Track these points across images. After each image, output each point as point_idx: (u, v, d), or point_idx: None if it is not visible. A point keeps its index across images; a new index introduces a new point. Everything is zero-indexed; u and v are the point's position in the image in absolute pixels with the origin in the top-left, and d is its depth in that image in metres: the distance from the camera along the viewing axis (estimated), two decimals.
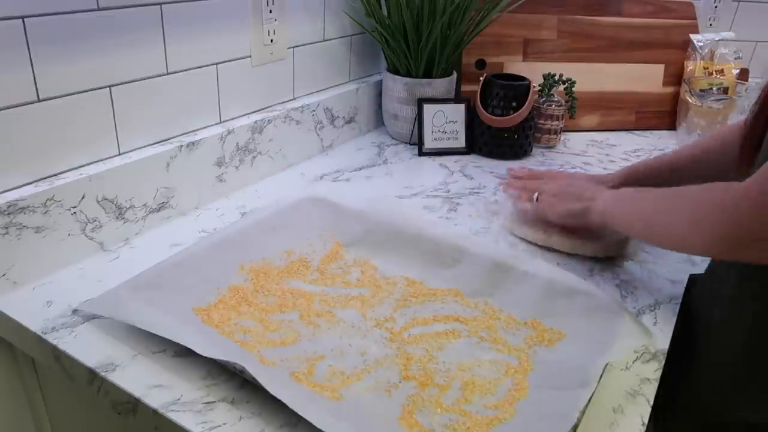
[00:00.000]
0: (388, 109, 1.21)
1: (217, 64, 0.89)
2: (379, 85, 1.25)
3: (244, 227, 0.76)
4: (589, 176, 0.92)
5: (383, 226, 0.80)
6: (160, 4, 0.78)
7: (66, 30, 0.68)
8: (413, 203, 0.95)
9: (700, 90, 1.28)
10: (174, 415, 0.52)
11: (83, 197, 0.72)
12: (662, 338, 0.66)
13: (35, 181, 0.69)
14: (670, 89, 1.37)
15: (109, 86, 0.75)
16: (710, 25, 1.49)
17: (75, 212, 0.71)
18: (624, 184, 0.83)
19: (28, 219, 0.66)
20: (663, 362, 0.63)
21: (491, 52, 1.27)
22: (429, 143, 1.16)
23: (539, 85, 1.20)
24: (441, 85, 1.17)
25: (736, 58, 1.35)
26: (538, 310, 0.68)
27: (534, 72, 1.22)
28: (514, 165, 1.13)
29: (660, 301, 0.73)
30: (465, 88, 1.27)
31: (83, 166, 0.74)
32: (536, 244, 0.83)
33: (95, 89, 0.73)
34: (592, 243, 0.81)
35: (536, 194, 0.83)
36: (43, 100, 0.68)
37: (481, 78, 1.17)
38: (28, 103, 0.67)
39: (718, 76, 1.33)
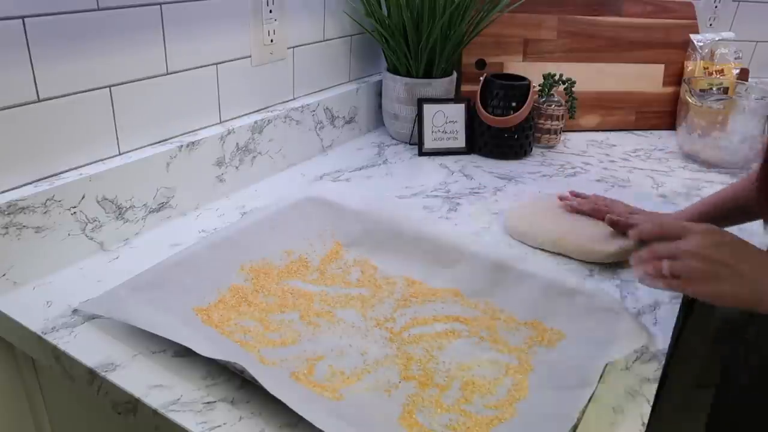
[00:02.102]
0: (388, 109, 1.21)
1: (217, 64, 0.89)
2: (379, 85, 1.25)
3: (244, 227, 0.76)
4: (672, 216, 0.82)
5: (383, 226, 0.80)
6: (160, 4, 0.78)
7: (66, 30, 0.68)
8: (413, 203, 0.95)
9: (700, 90, 1.28)
10: (174, 415, 0.52)
11: (83, 197, 0.72)
12: (662, 338, 0.66)
13: (35, 181, 0.69)
14: (670, 89, 1.37)
15: (109, 86, 0.75)
16: (710, 25, 1.49)
17: (75, 212, 0.71)
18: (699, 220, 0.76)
19: (28, 219, 0.66)
20: (663, 362, 0.63)
21: (491, 52, 1.27)
22: (429, 143, 1.16)
23: (539, 85, 1.20)
24: (441, 85, 1.17)
25: (736, 58, 1.35)
26: (538, 310, 0.68)
27: (534, 72, 1.22)
28: (516, 166, 1.13)
29: (660, 301, 0.73)
30: (465, 88, 1.27)
31: (83, 166, 0.74)
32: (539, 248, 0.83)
33: (95, 89, 0.73)
34: (599, 250, 0.79)
35: (665, 264, 0.57)
36: (43, 100, 0.68)
37: (481, 78, 1.17)
38: (28, 103, 0.67)
39: (718, 76, 1.33)
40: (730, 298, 0.55)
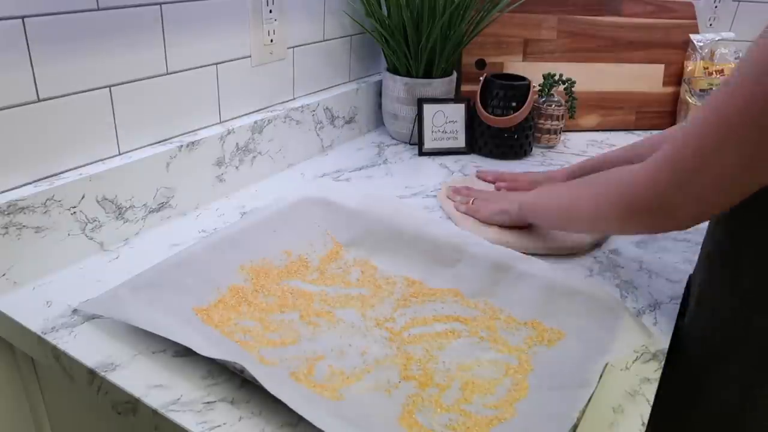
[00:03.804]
0: (388, 109, 1.21)
1: (217, 64, 0.89)
2: (379, 85, 1.25)
3: (244, 227, 0.76)
4: (536, 175, 0.98)
5: (383, 225, 0.80)
6: (160, 4, 0.78)
7: (66, 30, 0.68)
8: (413, 203, 0.95)
9: (700, 90, 1.28)
10: (174, 415, 0.52)
11: (83, 197, 0.72)
12: (662, 338, 0.67)
13: (35, 181, 0.69)
14: (670, 89, 1.37)
15: (109, 86, 0.75)
16: (710, 25, 1.49)
17: (75, 212, 0.71)
18: (569, 179, 0.90)
19: (28, 219, 0.66)
20: (663, 362, 0.63)
21: (491, 52, 1.28)
22: (429, 143, 1.16)
23: (539, 85, 1.20)
24: (441, 85, 1.17)
25: (736, 58, 1.35)
26: (538, 310, 0.68)
27: (534, 72, 1.22)
28: (514, 165, 1.13)
29: (660, 301, 0.73)
30: (465, 88, 1.27)
31: (83, 166, 0.74)
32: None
33: (95, 89, 0.73)
34: (544, 242, 0.82)
35: (472, 199, 0.89)
36: (43, 100, 0.68)
37: (481, 78, 1.17)
38: (28, 103, 0.67)
39: (718, 76, 1.33)
40: (497, 212, 0.84)
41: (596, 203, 0.64)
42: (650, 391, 0.59)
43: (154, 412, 0.53)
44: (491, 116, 1.14)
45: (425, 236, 0.78)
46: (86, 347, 0.59)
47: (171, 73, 0.82)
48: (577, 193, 0.70)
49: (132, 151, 0.80)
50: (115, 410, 0.57)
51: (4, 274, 0.66)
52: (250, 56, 0.95)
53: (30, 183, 0.69)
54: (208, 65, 0.88)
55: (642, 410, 0.57)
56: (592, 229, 0.78)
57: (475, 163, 1.13)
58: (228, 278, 0.70)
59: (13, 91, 0.65)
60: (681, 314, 0.71)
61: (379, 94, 1.25)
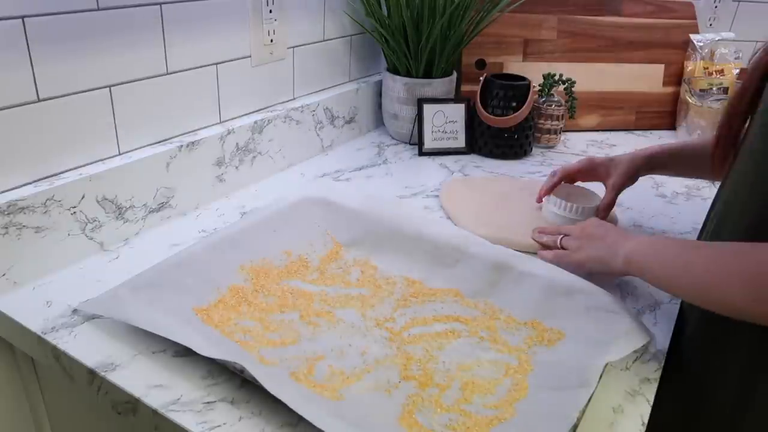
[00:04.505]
0: (388, 109, 1.21)
1: (217, 64, 0.89)
2: (379, 85, 1.25)
3: (244, 227, 0.76)
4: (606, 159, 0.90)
5: (383, 225, 0.80)
6: (160, 4, 0.78)
7: (66, 30, 0.68)
8: (413, 203, 0.95)
9: (700, 90, 1.28)
10: (174, 415, 0.52)
11: (83, 197, 0.72)
12: (662, 338, 0.66)
13: (35, 181, 0.69)
14: (670, 89, 1.37)
15: (109, 86, 0.75)
16: (710, 25, 1.49)
17: (75, 212, 0.71)
18: (648, 168, 0.86)
19: (28, 219, 0.66)
20: (663, 362, 0.63)
21: (491, 52, 1.28)
22: (429, 143, 1.16)
23: (539, 85, 1.20)
24: (441, 85, 1.17)
25: (736, 58, 1.35)
26: (538, 310, 0.68)
27: (534, 72, 1.22)
28: (516, 166, 1.13)
29: (660, 301, 0.73)
30: (465, 88, 1.27)
31: (83, 166, 0.74)
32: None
33: (95, 89, 0.73)
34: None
35: (560, 237, 0.76)
36: (43, 100, 0.68)
37: (481, 78, 1.17)
38: (28, 103, 0.67)
39: (718, 76, 1.33)
40: (593, 260, 0.70)
41: (725, 277, 0.53)
42: (650, 391, 0.59)
43: (154, 412, 0.53)
44: (491, 116, 1.14)
45: (425, 236, 0.78)
46: (86, 347, 0.59)
47: (171, 73, 0.82)
48: (714, 264, 0.55)
49: (132, 151, 0.80)
50: (115, 410, 0.57)
51: (4, 274, 0.66)
52: (250, 56, 0.95)
53: (30, 183, 0.69)
54: (208, 65, 0.88)
55: (642, 410, 0.57)
56: (704, 303, 0.59)
57: (475, 163, 1.13)
58: (228, 278, 0.70)
59: (13, 91, 0.65)
60: (681, 314, 0.71)
61: (379, 94, 1.25)
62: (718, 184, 0.70)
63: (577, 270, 0.72)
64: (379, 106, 1.26)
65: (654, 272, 0.62)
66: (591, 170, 0.90)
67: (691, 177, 0.87)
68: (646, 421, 0.55)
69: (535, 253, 0.78)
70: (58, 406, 0.73)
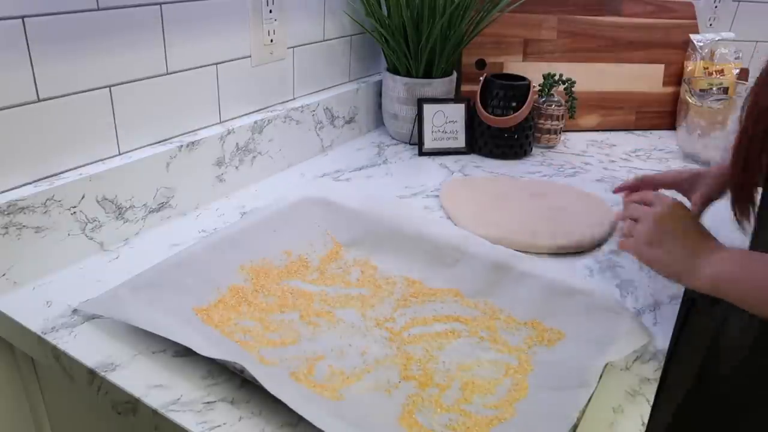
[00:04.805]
0: (388, 109, 1.21)
1: (217, 64, 0.89)
2: (379, 85, 1.25)
3: (244, 227, 0.76)
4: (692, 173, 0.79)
5: (383, 225, 0.80)
6: (160, 4, 0.78)
7: (66, 30, 0.68)
8: (413, 203, 0.95)
9: (700, 90, 1.28)
10: (174, 415, 0.52)
11: (83, 197, 0.72)
12: (662, 338, 0.66)
13: (35, 181, 0.69)
14: (670, 89, 1.37)
15: (109, 86, 0.75)
16: (710, 25, 1.49)
17: (75, 212, 0.71)
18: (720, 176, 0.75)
19: (28, 219, 0.66)
20: (663, 362, 0.63)
21: (491, 52, 1.27)
22: (429, 143, 1.16)
23: (539, 85, 1.20)
24: (441, 85, 1.17)
25: (736, 58, 1.35)
26: (538, 310, 0.68)
27: (534, 72, 1.22)
28: (516, 166, 1.13)
29: (660, 301, 0.73)
30: (465, 88, 1.27)
31: (83, 166, 0.74)
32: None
33: (95, 89, 0.73)
34: (545, 241, 0.82)
35: (627, 224, 0.67)
36: (43, 100, 0.68)
37: (481, 78, 1.17)
38: (28, 103, 0.67)
39: (718, 76, 1.33)
40: (661, 265, 0.60)
41: None
42: (650, 391, 0.59)
43: (154, 412, 0.53)
44: (491, 116, 1.14)
45: (425, 236, 0.78)
46: (86, 347, 0.59)
47: (171, 73, 0.82)
48: None
49: (132, 151, 0.80)
50: (115, 410, 0.57)
51: (4, 274, 0.66)
52: (250, 56, 0.95)
53: (30, 183, 0.69)
54: (208, 65, 0.88)
55: (642, 410, 0.57)
56: None
57: (475, 163, 1.13)
58: (228, 278, 0.70)
59: (13, 91, 0.65)
60: (680, 314, 0.71)
61: (379, 94, 1.25)
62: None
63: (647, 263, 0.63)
64: (379, 106, 1.26)
65: (744, 297, 0.54)
66: (676, 184, 0.80)
67: None
68: (646, 421, 0.55)
69: (535, 254, 0.78)
70: (58, 406, 0.73)
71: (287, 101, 1.06)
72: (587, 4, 1.31)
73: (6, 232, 0.65)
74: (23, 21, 0.64)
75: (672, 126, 1.37)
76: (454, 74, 1.22)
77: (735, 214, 0.61)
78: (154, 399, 0.53)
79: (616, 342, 0.59)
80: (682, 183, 0.80)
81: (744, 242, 0.66)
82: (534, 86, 1.15)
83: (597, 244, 0.84)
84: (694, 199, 0.77)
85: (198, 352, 0.54)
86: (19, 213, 0.65)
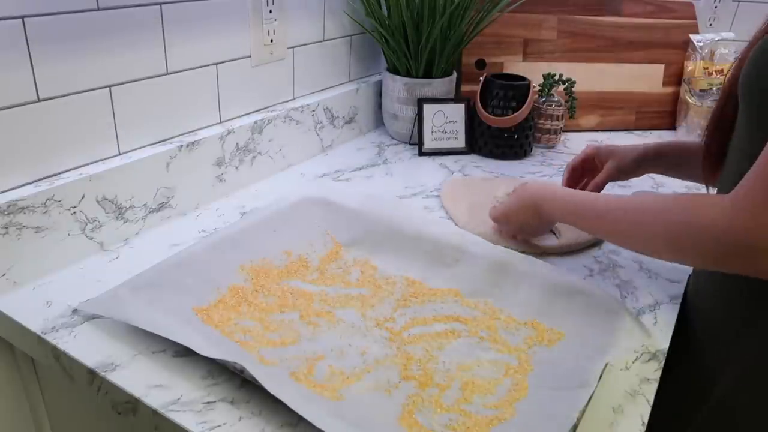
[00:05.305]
0: (388, 109, 1.21)
1: (217, 64, 0.89)
2: (379, 85, 1.25)
3: (244, 227, 0.76)
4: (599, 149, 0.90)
5: (383, 226, 0.80)
6: (160, 4, 0.78)
7: (66, 30, 0.68)
8: (413, 203, 0.95)
9: (700, 90, 1.28)
10: (174, 415, 0.52)
11: (83, 197, 0.72)
12: (662, 338, 0.66)
13: (35, 181, 0.69)
14: (670, 89, 1.37)
15: (109, 86, 0.75)
16: (710, 25, 1.49)
17: (75, 212, 0.71)
18: (656, 151, 0.85)
19: (28, 219, 0.66)
20: (663, 362, 0.63)
21: (491, 52, 1.27)
22: (429, 143, 1.16)
23: (539, 85, 1.20)
24: (441, 85, 1.17)
25: (735, 58, 1.35)
26: (538, 310, 0.68)
27: (534, 72, 1.22)
28: (516, 166, 1.13)
29: (660, 301, 0.73)
30: (465, 88, 1.27)
31: (83, 166, 0.74)
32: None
33: (95, 89, 0.73)
34: (544, 242, 0.82)
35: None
36: (43, 100, 0.68)
37: (481, 78, 1.17)
38: (28, 103, 0.67)
39: (718, 76, 1.33)
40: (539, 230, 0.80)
41: (670, 241, 0.56)
42: (650, 391, 0.59)
43: (154, 412, 0.53)
44: (491, 116, 1.14)
45: (425, 236, 0.78)
46: (86, 347, 0.59)
47: (171, 73, 0.82)
48: (635, 220, 0.61)
49: (132, 151, 0.80)
50: (115, 410, 0.57)
51: (4, 274, 0.66)
52: (250, 56, 0.95)
53: (30, 183, 0.69)
54: (208, 65, 0.88)
55: (642, 410, 0.57)
56: (645, 254, 0.65)
57: (475, 163, 1.13)
58: (228, 278, 0.70)
59: (13, 91, 0.65)
60: (681, 314, 0.71)
61: (379, 94, 1.25)
62: (713, 191, 0.70)
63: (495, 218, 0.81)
64: (379, 106, 1.26)
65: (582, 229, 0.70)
66: (593, 158, 0.90)
67: (695, 180, 0.87)
68: (646, 421, 0.55)
69: (535, 254, 0.78)
70: (58, 406, 0.73)
71: (287, 101, 1.06)
72: (587, 4, 1.31)
73: (6, 232, 0.65)
74: (23, 21, 0.64)
75: (672, 126, 1.37)
76: (454, 74, 1.22)
77: (705, 179, 0.69)
78: (154, 399, 0.53)
79: (616, 342, 0.59)
80: (599, 154, 0.89)
81: None
82: (534, 86, 1.15)
83: (597, 244, 0.84)
84: (606, 165, 0.88)
85: (198, 352, 0.54)
86: (19, 213, 0.65)
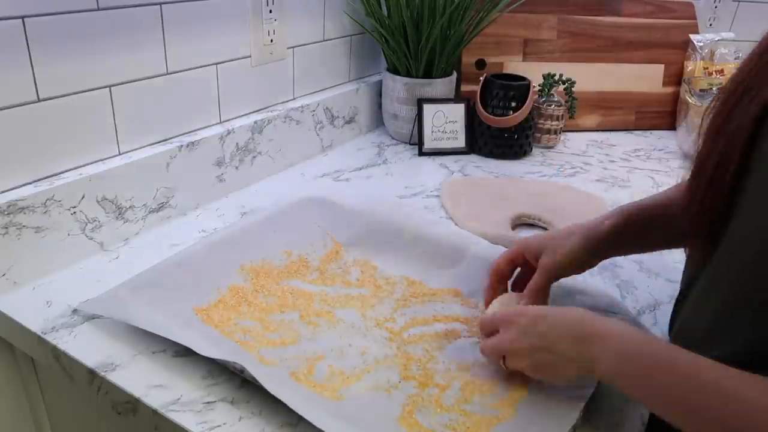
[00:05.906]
0: (388, 109, 1.21)
1: (217, 64, 0.89)
2: (379, 85, 1.25)
3: (244, 227, 0.76)
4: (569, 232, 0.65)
5: (383, 226, 0.80)
6: (160, 4, 0.78)
7: (66, 30, 0.68)
8: (413, 203, 0.95)
9: (700, 90, 1.28)
10: (174, 415, 0.52)
11: (83, 197, 0.72)
12: (662, 338, 0.66)
13: (35, 181, 0.69)
14: (670, 89, 1.37)
15: (109, 86, 0.75)
16: (710, 25, 1.49)
17: (75, 212, 0.71)
18: (615, 231, 0.63)
19: (28, 219, 0.66)
20: None
21: (491, 52, 1.27)
22: (429, 143, 1.16)
23: (539, 85, 1.20)
24: (441, 85, 1.17)
25: (735, 58, 1.35)
26: None
27: (534, 72, 1.22)
28: (516, 166, 1.13)
29: (660, 301, 0.73)
30: (465, 88, 1.27)
31: (83, 166, 0.74)
32: None
33: (95, 89, 0.73)
34: None
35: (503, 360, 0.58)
36: (43, 100, 0.68)
37: (481, 78, 1.17)
38: (28, 103, 0.67)
39: (718, 76, 1.33)
40: (565, 380, 0.54)
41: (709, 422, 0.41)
42: None
43: (154, 412, 0.53)
44: (491, 116, 1.14)
45: (425, 236, 0.78)
46: (86, 347, 0.59)
47: (171, 73, 0.82)
48: (713, 400, 0.42)
49: (132, 151, 0.80)
50: (115, 410, 0.57)
51: (4, 274, 0.66)
52: (250, 56, 0.95)
53: (30, 183, 0.69)
54: (208, 65, 0.88)
55: (642, 410, 0.57)
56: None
57: (475, 163, 1.13)
58: (228, 278, 0.70)
59: (13, 91, 0.65)
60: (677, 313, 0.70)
61: (379, 94, 1.25)
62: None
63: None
64: (379, 106, 1.26)
65: (635, 393, 0.47)
66: (521, 255, 0.67)
67: (663, 249, 0.68)
68: (646, 421, 0.55)
69: None
70: (58, 406, 0.73)
71: (287, 101, 1.06)
72: (587, 4, 1.31)
73: (6, 232, 0.65)
74: (23, 21, 0.64)
75: (672, 126, 1.37)
76: (454, 74, 1.22)
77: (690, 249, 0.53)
78: (154, 399, 0.53)
79: None
80: (530, 251, 0.66)
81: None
82: (534, 86, 1.15)
83: None
84: (539, 263, 0.64)
85: (198, 352, 0.54)
86: (19, 213, 0.65)
